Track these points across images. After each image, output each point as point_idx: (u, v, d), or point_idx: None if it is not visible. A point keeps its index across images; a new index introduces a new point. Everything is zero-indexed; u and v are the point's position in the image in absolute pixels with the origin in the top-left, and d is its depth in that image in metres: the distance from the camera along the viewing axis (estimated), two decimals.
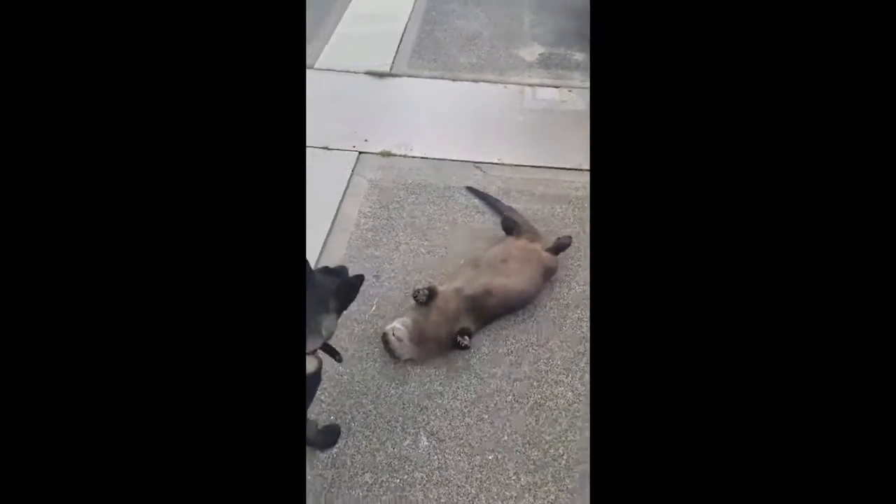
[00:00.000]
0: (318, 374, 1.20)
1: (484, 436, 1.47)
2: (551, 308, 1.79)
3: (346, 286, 1.19)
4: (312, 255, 1.87)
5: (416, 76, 2.81)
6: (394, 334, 1.56)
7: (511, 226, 1.93)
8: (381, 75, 2.81)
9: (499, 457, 1.43)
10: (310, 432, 1.36)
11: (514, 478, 1.39)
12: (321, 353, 1.21)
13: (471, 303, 1.65)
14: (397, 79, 2.79)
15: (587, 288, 1.84)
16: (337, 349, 1.31)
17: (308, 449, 1.38)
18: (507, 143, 2.43)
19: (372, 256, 1.91)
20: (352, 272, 1.23)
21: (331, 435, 1.43)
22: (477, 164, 2.32)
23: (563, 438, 1.47)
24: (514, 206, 2.11)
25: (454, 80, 2.78)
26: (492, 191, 2.19)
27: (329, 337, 1.18)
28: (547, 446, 1.45)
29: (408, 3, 3.35)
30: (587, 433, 1.47)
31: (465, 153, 2.36)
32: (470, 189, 2.15)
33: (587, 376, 1.61)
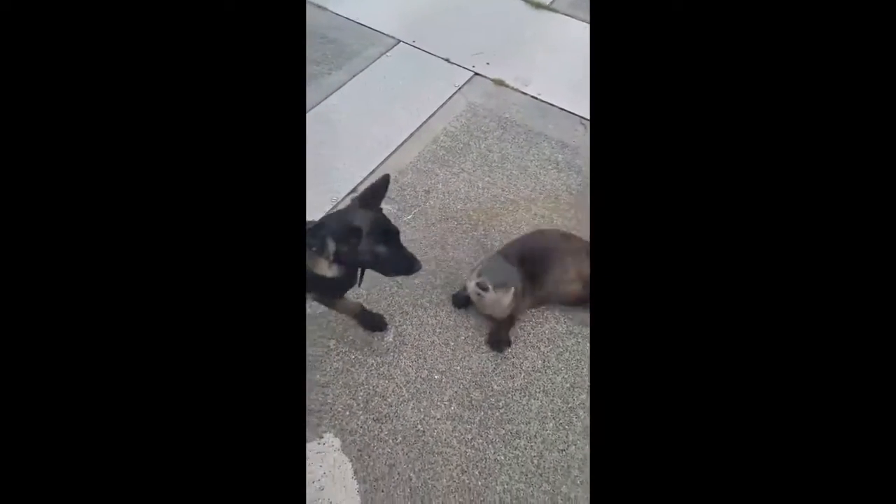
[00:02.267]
0: (343, 279, 1.25)
1: (441, 357, 1.53)
2: None
3: (369, 189, 1.21)
4: (383, 157, 1.99)
5: (572, 17, 2.57)
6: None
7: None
8: (538, 6, 2.64)
9: (443, 379, 1.48)
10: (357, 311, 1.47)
11: (446, 402, 1.45)
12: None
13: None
14: (552, 14, 2.60)
15: None
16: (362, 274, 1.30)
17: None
18: None
19: (432, 172, 1.96)
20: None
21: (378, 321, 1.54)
22: (583, 121, 2.13)
23: (509, 394, 1.45)
24: None
25: None
26: (583, 152, 2.01)
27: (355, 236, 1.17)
28: (490, 393, 1.46)
29: None
30: (535, 403, 1.44)
31: (578, 106, 2.17)
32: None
33: (567, 354, 1.53)
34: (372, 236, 1.16)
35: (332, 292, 1.36)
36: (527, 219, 1.83)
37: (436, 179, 1.94)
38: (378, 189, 1.22)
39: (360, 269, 1.27)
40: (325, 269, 1.21)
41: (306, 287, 1.23)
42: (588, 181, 1.91)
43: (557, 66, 2.35)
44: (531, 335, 1.57)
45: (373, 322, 1.55)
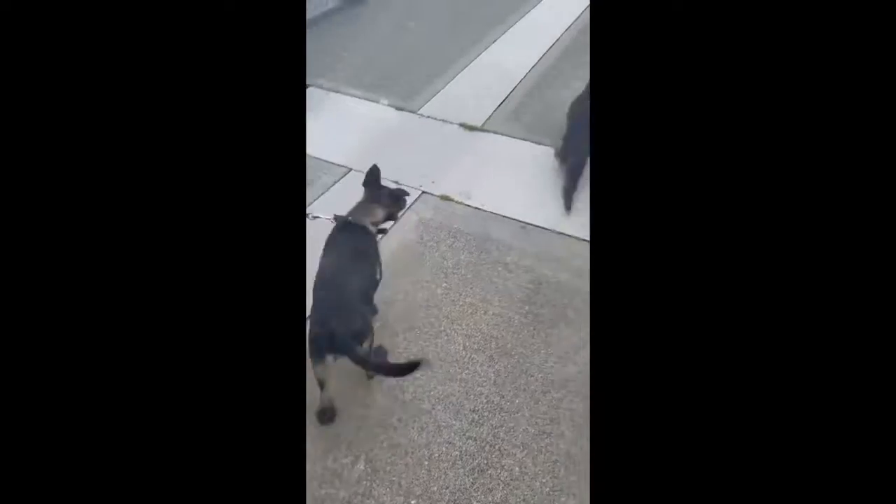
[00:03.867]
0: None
1: (416, 480, 1.44)
2: (535, 380, 1.68)
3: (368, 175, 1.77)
4: None
5: (503, 134, 2.89)
6: None
7: None
8: (471, 128, 2.96)
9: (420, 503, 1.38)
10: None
11: None
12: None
13: None
14: (485, 133, 2.91)
15: (580, 370, 1.69)
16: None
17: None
18: (563, 210, 2.36)
19: (392, 284, 2.01)
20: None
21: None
22: (524, 225, 2.29)
23: None
24: (546, 273, 2.03)
25: (537, 143, 2.80)
26: (529, 251, 2.14)
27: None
28: None
29: (531, 59, 3.47)
30: None
31: (517, 212, 2.36)
32: None
33: (542, 457, 1.47)
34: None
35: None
36: (486, 320, 1.87)
37: (396, 290, 1.98)
38: (374, 173, 1.77)
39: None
40: (379, 215, 1.74)
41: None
42: (535, 276, 2.02)
43: (494, 178, 2.58)
44: (504, 441, 1.52)
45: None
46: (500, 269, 2.09)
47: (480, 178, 2.56)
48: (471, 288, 2.00)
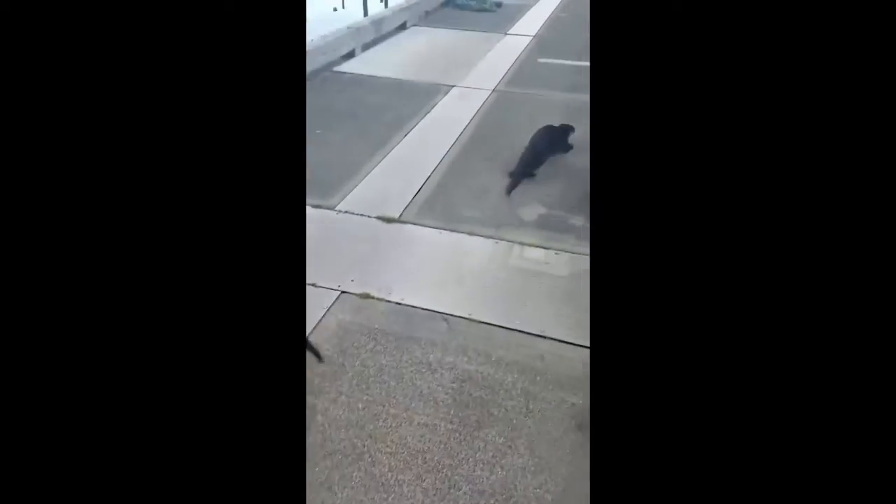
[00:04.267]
0: None
1: None
2: (464, 493, 1.60)
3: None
4: None
5: (419, 224, 2.97)
6: None
7: None
8: (389, 220, 3.01)
9: None
10: None
11: None
12: None
13: None
14: (403, 225, 2.97)
15: (506, 475, 1.64)
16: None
17: None
18: (482, 298, 2.41)
19: (308, 405, 1.88)
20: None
21: None
22: (445, 318, 2.30)
23: None
24: (469, 368, 2.02)
25: (452, 231, 2.90)
26: (451, 347, 2.13)
27: None
28: None
29: (437, 155, 3.69)
30: None
31: (438, 304, 2.37)
32: None
33: None
34: None
35: None
36: (411, 432, 1.79)
37: (314, 411, 1.85)
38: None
39: None
40: None
41: None
42: (459, 373, 2.00)
43: (414, 270, 2.61)
44: None
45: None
46: (423, 370, 2.04)
47: (400, 272, 2.58)
48: (394, 397, 1.92)
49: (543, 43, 6.47)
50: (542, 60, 5.78)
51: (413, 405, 1.89)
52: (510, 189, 3.24)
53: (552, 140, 3.61)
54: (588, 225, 2.93)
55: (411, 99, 4.47)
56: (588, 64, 5.54)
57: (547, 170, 3.50)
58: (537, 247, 2.76)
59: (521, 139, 3.80)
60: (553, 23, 7.47)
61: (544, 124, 3.73)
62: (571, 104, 4.46)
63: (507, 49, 6.17)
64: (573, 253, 2.70)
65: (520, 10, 8.05)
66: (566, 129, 3.75)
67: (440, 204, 3.14)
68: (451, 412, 1.87)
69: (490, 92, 4.87)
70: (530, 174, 3.36)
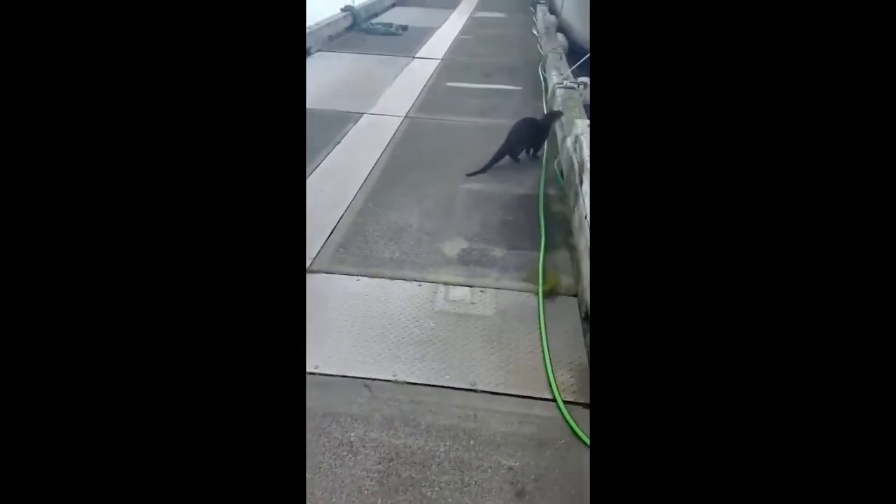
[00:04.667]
0: None
1: None
2: None
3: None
4: None
5: (335, 272, 2.71)
6: None
7: None
8: None
9: None
10: None
11: None
12: None
13: None
14: (315, 275, 2.69)
15: None
16: None
17: None
18: (407, 353, 2.20)
19: None
20: None
21: None
22: (366, 383, 2.06)
23: None
24: (396, 443, 1.80)
25: (372, 276, 2.68)
26: (375, 419, 1.90)
27: None
28: None
29: (350, 191, 3.44)
30: None
31: (358, 367, 2.13)
32: None
33: None
34: None
35: None
36: None
37: None
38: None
39: None
40: None
41: None
42: (386, 451, 1.77)
43: (328, 328, 2.34)
44: None
45: None
46: (344, 453, 1.79)
47: (313, 332, 2.29)
48: (312, 493, 1.65)
49: (451, 66, 6.51)
50: (451, 84, 5.78)
51: (334, 500, 1.63)
52: (474, 173, 3.59)
53: (529, 133, 3.77)
54: (507, 255, 2.86)
55: (319, 130, 4.20)
56: (497, 87, 5.71)
57: (467, 199, 3.41)
58: (462, 285, 2.63)
59: (439, 169, 3.69)
60: (459, 45, 7.58)
61: (470, 147, 3.78)
62: (486, 129, 4.46)
63: (415, 73, 6.11)
64: (496, 289, 2.60)
65: (425, 34, 8.09)
66: (549, 120, 3.92)
67: (355, 246, 2.90)
68: (379, 502, 1.63)
69: (402, 119, 4.74)
70: (485, 170, 3.62)
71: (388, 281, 2.64)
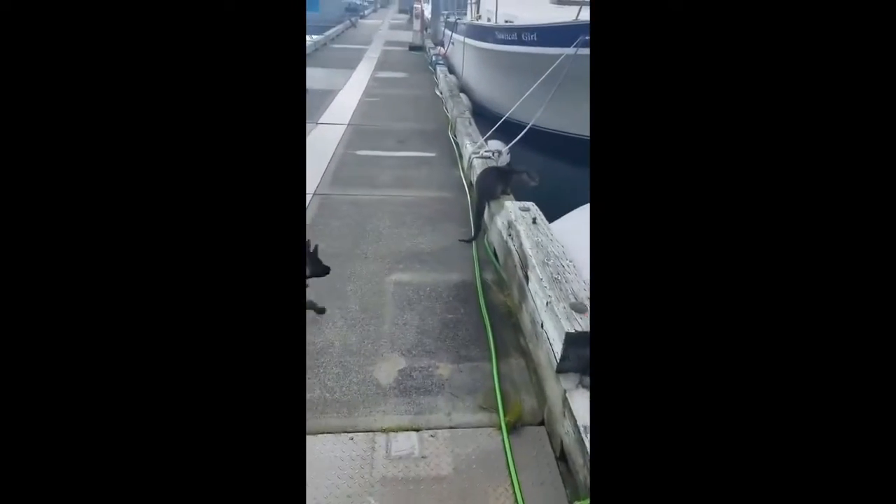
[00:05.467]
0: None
1: None
2: None
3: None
4: None
5: None
6: None
7: None
8: None
9: None
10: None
11: None
12: None
13: None
14: None
15: None
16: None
17: None
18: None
19: None
20: None
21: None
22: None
23: None
24: None
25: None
26: None
27: None
28: None
29: None
30: None
31: None
32: None
33: None
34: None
35: None
36: None
37: None
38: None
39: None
40: None
41: None
42: None
43: None
44: None
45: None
46: None
47: None
48: None
49: (360, 131, 6.12)
50: (361, 153, 5.36)
51: None
52: (468, 240, 3.50)
53: (496, 180, 3.64)
54: (455, 372, 2.38)
55: None
56: (412, 154, 5.40)
57: (397, 296, 2.90)
58: (406, 429, 2.08)
59: (359, 261, 3.17)
60: (365, 108, 7.26)
61: (396, 228, 3.38)
62: (412, 204, 4.06)
63: (321, 141, 5.61)
64: (450, 428, 2.09)
65: (327, 96, 7.70)
66: (510, 169, 3.80)
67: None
68: None
69: (311, 196, 4.17)
70: (476, 235, 3.52)
71: (309, 438, 2.01)
